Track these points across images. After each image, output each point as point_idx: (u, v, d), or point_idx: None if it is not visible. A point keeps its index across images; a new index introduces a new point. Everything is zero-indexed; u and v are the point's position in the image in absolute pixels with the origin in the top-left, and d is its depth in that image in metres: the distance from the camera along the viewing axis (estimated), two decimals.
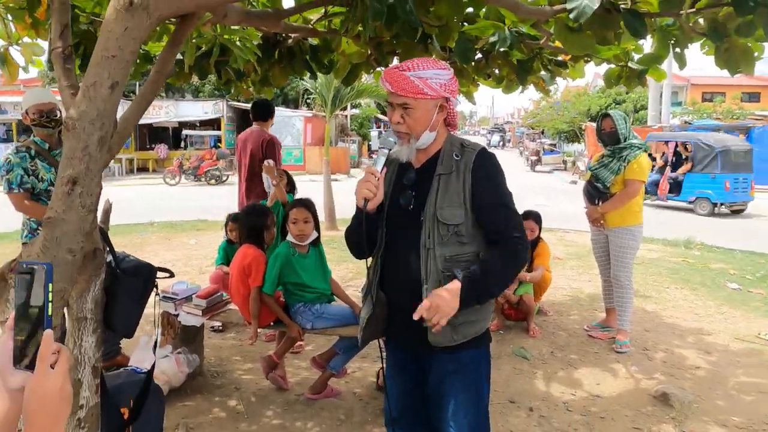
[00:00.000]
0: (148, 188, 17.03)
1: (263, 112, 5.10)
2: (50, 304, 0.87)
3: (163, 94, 25.43)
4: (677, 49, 2.93)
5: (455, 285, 1.76)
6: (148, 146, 24.69)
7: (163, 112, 23.50)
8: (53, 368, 0.86)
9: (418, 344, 1.93)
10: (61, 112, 3.30)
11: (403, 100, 1.81)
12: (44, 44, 2.71)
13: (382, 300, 1.94)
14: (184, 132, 23.81)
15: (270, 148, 4.88)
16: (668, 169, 13.19)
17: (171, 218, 10.22)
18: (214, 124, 24.34)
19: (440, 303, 1.72)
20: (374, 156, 2.02)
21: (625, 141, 4.23)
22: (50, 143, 3.29)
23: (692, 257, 7.31)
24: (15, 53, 2.52)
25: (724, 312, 5.08)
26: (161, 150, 23.52)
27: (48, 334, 0.86)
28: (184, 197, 14.69)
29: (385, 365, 2.12)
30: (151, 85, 2.05)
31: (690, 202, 12.54)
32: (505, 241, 1.83)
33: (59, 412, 0.85)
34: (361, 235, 1.86)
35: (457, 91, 1.98)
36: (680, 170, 12.95)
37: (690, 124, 20.55)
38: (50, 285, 0.87)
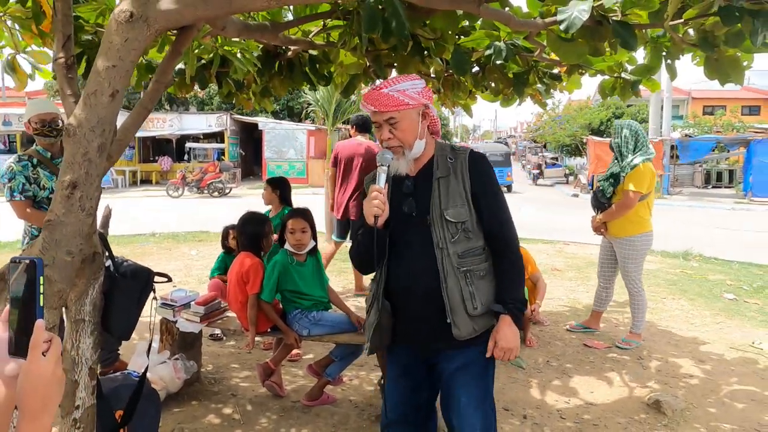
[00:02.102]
0: (151, 200, 17.13)
1: (367, 124, 5.63)
2: (41, 296, 0.92)
3: (168, 107, 25.65)
4: (668, 61, 2.99)
5: (506, 320, 1.94)
6: (151, 158, 24.85)
7: (167, 124, 23.70)
8: (45, 355, 0.91)
9: (428, 344, 2.02)
10: (62, 121, 3.38)
11: (389, 116, 1.92)
12: (51, 53, 2.79)
13: (388, 309, 2.00)
14: (188, 145, 23.97)
15: None
16: None
17: (173, 230, 10.29)
18: (217, 137, 24.52)
19: (509, 344, 1.92)
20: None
21: (618, 152, 4.33)
22: (52, 152, 3.36)
23: (690, 268, 7.33)
24: (23, 62, 2.59)
25: (720, 322, 5.09)
26: (165, 162, 23.66)
27: (39, 323, 0.91)
28: (186, 209, 14.77)
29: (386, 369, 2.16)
30: (151, 94, 2.12)
31: None
32: (511, 254, 2.01)
33: (50, 394, 0.90)
34: (372, 252, 1.92)
35: (433, 99, 2.09)
36: None
37: (690, 137, 20.66)
38: (41, 278, 0.92)
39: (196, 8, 1.80)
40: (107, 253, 2.20)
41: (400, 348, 2.10)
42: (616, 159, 4.36)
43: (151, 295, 2.33)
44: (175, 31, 2.63)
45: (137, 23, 1.68)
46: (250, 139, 25.82)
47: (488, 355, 1.97)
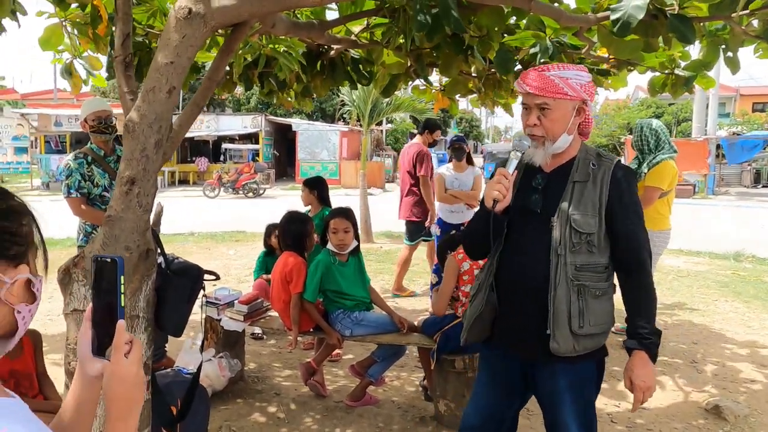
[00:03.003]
0: (188, 200, 17.47)
1: (426, 127, 5.78)
2: (123, 296, 0.91)
3: (205, 108, 26.14)
4: (729, 54, 2.86)
5: (641, 356, 1.80)
6: (188, 159, 25.36)
7: (204, 125, 24.15)
8: (127, 357, 0.91)
9: (529, 352, 1.89)
10: (116, 119, 3.46)
11: (542, 101, 1.78)
12: (103, 59, 2.87)
13: (493, 302, 1.90)
14: (224, 146, 24.38)
15: (419, 159, 5.55)
16: None
17: (210, 230, 10.45)
18: (252, 138, 24.87)
19: (647, 385, 1.79)
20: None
21: (639, 150, 4.39)
22: (105, 150, 3.45)
23: (743, 270, 7.06)
24: (78, 67, 2.69)
25: None
26: (201, 163, 24.11)
27: (121, 324, 0.90)
28: (223, 209, 15.01)
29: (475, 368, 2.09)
30: (203, 92, 2.13)
31: None
32: (645, 279, 1.85)
33: (134, 396, 0.90)
34: (486, 237, 1.84)
35: (594, 96, 1.93)
36: None
37: (739, 135, 19.94)
38: (122, 277, 0.91)
39: (252, 5, 1.80)
40: (159, 250, 2.23)
41: (496, 349, 1.99)
42: (637, 158, 4.41)
43: (201, 292, 2.34)
44: (221, 31, 2.67)
45: (195, 20, 1.69)
46: (284, 140, 26.11)
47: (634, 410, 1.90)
